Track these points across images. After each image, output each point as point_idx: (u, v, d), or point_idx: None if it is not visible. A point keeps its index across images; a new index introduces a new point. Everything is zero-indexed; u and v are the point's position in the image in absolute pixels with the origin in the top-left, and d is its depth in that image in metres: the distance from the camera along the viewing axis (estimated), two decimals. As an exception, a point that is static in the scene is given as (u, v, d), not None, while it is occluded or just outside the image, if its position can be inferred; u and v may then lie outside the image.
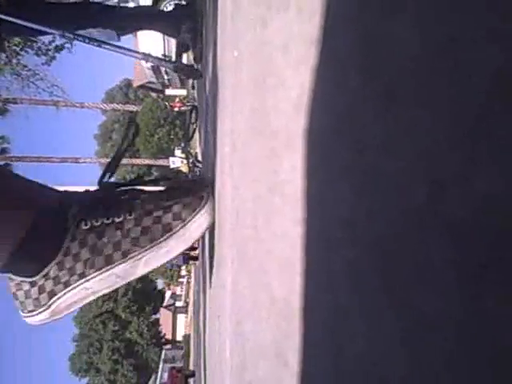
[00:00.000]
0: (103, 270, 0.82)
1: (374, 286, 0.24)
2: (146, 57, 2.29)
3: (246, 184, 0.69)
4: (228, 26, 1.18)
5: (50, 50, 17.29)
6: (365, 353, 0.27)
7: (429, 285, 0.20)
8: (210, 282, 1.48)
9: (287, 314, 0.41)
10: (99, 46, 2.08)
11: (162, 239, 0.85)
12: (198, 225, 0.89)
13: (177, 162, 12.91)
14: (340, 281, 0.29)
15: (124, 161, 21.99)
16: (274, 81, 0.47)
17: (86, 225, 0.81)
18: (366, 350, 0.28)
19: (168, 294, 35.78)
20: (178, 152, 12.80)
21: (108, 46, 2.10)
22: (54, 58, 17.82)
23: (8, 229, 0.78)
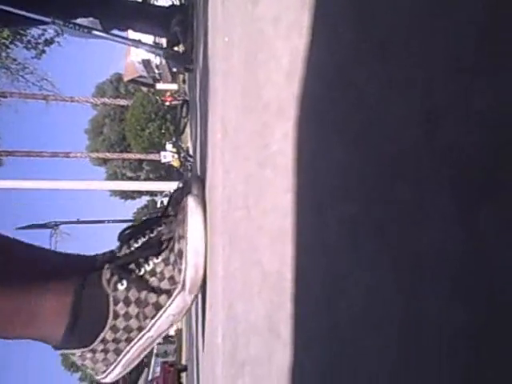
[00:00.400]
0: (157, 316, 0.85)
1: (372, 244, 0.24)
2: (136, 43, 2.28)
3: (238, 166, 0.69)
4: (219, 12, 1.17)
5: (39, 44, 17.16)
6: (360, 317, 0.27)
7: (428, 222, 0.20)
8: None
9: (279, 286, 0.40)
10: (89, 32, 2.06)
11: (185, 263, 0.89)
12: (194, 238, 0.91)
13: (168, 156, 12.89)
14: (334, 242, 0.29)
15: (114, 155, 21.87)
16: (265, 55, 0.47)
17: (122, 284, 0.84)
18: (361, 315, 0.27)
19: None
20: (169, 146, 12.78)
21: (98, 33, 2.08)
22: (43, 51, 17.69)
23: (54, 312, 0.81)
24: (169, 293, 0.86)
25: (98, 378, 0.88)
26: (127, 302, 0.84)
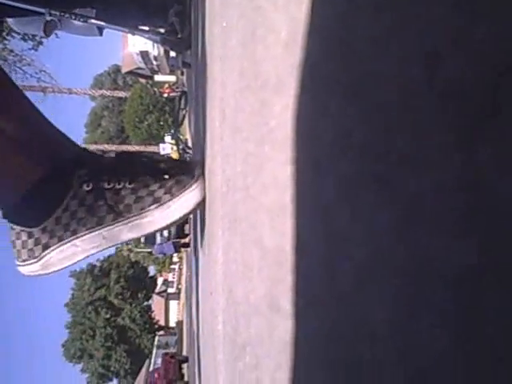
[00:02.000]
0: (92, 229, 0.86)
1: (371, 198, 0.24)
2: (132, 30, 2.26)
3: (236, 147, 0.68)
4: (216, -2, 1.16)
5: (36, 35, 17.05)
6: (362, 277, 0.27)
7: (428, 164, 0.20)
8: (202, 262, 1.48)
9: (279, 261, 0.40)
10: (85, 21, 2.05)
11: (148, 208, 0.89)
12: (184, 200, 0.93)
13: (167, 148, 12.87)
14: (334, 203, 0.29)
15: (113, 148, 21.85)
16: (264, 30, 0.46)
17: (88, 186, 0.85)
18: (363, 274, 0.27)
19: (160, 280, 35.82)
20: (167, 138, 12.76)
21: (94, 21, 2.07)
22: (41, 43, 17.59)
23: (18, 176, 0.83)
24: (115, 217, 0.87)
25: (16, 262, 0.89)
26: (81, 203, 0.86)
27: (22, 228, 0.85)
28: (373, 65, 0.25)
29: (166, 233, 9.57)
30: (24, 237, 0.85)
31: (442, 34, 0.19)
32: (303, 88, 0.34)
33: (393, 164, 0.22)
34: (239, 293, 0.71)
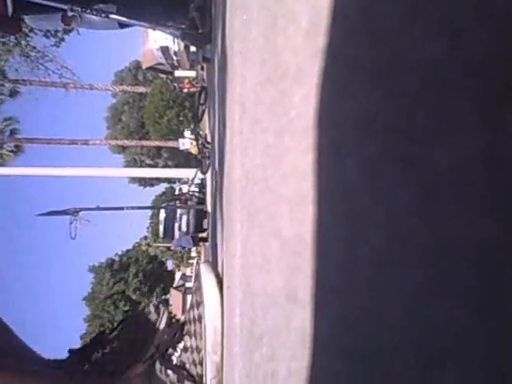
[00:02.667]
0: None
1: (393, 182, 0.24)
2: (153, 25, 2.27)
3: (256, 139, 0.69)
4: (237, -9, 1.16)
5: (58, 32, 17.24)
6: (382, 259, 0.27)
7: (451, 139, 0.19)
8: (221, 256, 1.48)
9: (298, 250, 0.41)
10: (107, 16, 2.06)
11: None
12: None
13: (186, 143, 12.93)
14: (355, 185, 0.28)
15: (133, 143, 21.97)
16: (284, 21, 0.46)
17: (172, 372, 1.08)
18: (383, 256, 0.27)
19: (178, 275, 36.03)
20: (187, 133, 12.81)
21: (115, 17, 2.09)
22: (62, 39, 17.78)
23: None
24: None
25: None
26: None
27: None
28: (397, 48, 0.25)
29: (184, 227, 9.62)
30: None
31: (465, 11, 0.19)
32: (325, 75, 0.34)
33: (417, 143, 0.22)
34: (257, 285, 0.71)
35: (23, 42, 17.04)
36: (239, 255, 0.95)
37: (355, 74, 0.29)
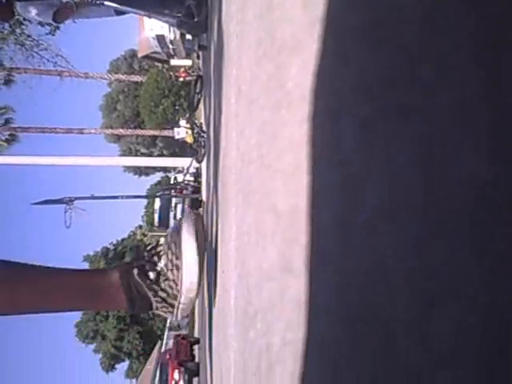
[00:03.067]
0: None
1: (391, 139, 0.24)
2: (149, 13, 2.25)
3: (252, 119, 0.69)
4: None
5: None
6: (378, 218, 0.28)
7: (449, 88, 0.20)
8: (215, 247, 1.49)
9: (293, 222, 0.41)
10: (102, 3, 2.05)
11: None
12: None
13: (182, 132, 12.87)
14: (351, 149, 0.29)
15: (128, 132, 21.87)
16: (281, -4, 0.46)
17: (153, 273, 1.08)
18: (380, 213, 0.28)
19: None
20: (183, 122, 12.74)
21: (110, 4, 2.07)
22: (57, 27, 17.59)
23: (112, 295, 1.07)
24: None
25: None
26: (158, 280, 1.06)
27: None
28: (394, 2, 0.25)
29: (179, 216, 9.62)
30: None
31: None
32: (322, 44, 0.34)
33: (417, 95, 0.23)
34: (252, 264, 0.71)
35: (18, 30, 16.87)
36: (234, 238, 0.96)
37: (351, 40, 0.30)
